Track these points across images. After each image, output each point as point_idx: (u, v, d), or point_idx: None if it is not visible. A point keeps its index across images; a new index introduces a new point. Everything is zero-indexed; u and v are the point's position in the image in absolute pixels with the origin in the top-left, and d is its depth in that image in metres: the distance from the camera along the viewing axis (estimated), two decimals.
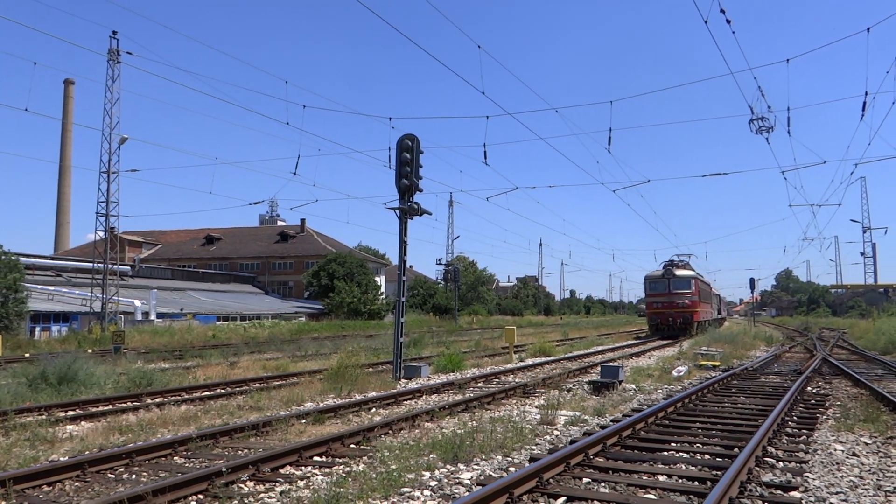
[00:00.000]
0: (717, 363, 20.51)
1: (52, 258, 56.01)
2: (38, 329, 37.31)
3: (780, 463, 7.75)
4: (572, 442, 8.58)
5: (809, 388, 14.88)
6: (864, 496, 6.45)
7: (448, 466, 7.49)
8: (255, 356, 23.52)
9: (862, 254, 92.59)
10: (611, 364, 15.90)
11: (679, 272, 38.86)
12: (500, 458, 8.03)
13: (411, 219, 17.14)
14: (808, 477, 7.11)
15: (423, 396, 13.64)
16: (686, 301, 37.70)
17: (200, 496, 6.42)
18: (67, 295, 43.72)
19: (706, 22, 14.99)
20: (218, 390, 14.43)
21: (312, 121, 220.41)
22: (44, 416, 10.73)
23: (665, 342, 32.84)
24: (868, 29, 17.75)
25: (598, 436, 8.36)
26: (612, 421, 10.46)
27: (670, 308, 38.00)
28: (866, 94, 19.18)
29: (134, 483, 6.95)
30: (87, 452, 8.23)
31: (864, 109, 19.43)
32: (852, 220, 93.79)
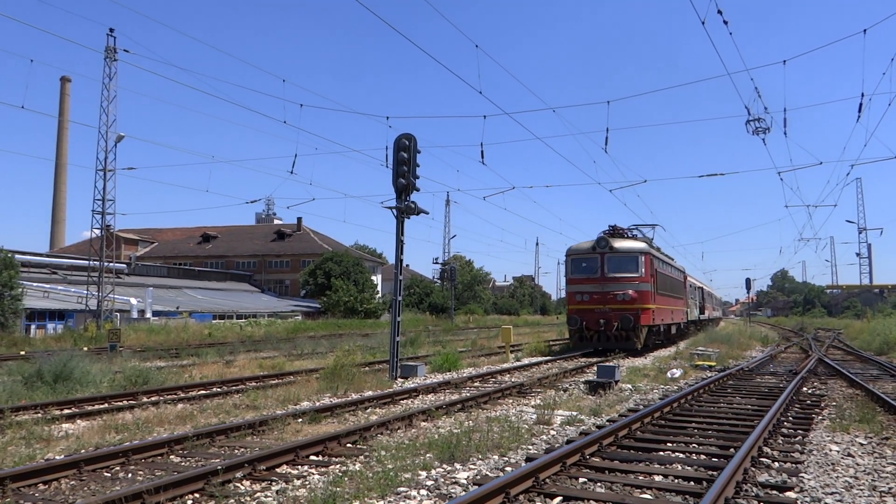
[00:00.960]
0: (712, 363, 20.55)
1: (47, 256, 55.87)
2: (33, 327, 37.23)
3: (776, 463, 7.78)
4: (569, 442, 8.59)
5: (805, 389, 14.93)
6: (860, 496, 6.48)
7: (444, 466, 7.50)
8: (252, 355, 23.49)
9: (857, 254, 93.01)
10: (607, 364, 15.92)
11: (620, 244, 24.69)
12: (496, 457, 8.03)
13: (408, 218, 17.15)
14: (803, 477, 7.13)
15: (420, 396, 13.64)
16: (629, 292, 23.71)
17: (197, 495, 6.41)
18: (63, 293, 43.62)
19: (703, 23, 15.02)
20: (214, 389, 14.41)
21: (309, 119, 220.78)
22: (39, 415, 10.69)
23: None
24: (865, 30, 17.81)
25: (594, 436, 8.37)
26: (608, 421, 10.47)
27: (602, 303, 24.05)
28: (862, 95, 19.24)
29: (130, 482, 6.94)
30: (83, 451, 8.20)
31: (860, 111, 19.49)
32: (848, 221, 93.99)
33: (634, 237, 27.38)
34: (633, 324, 23.46)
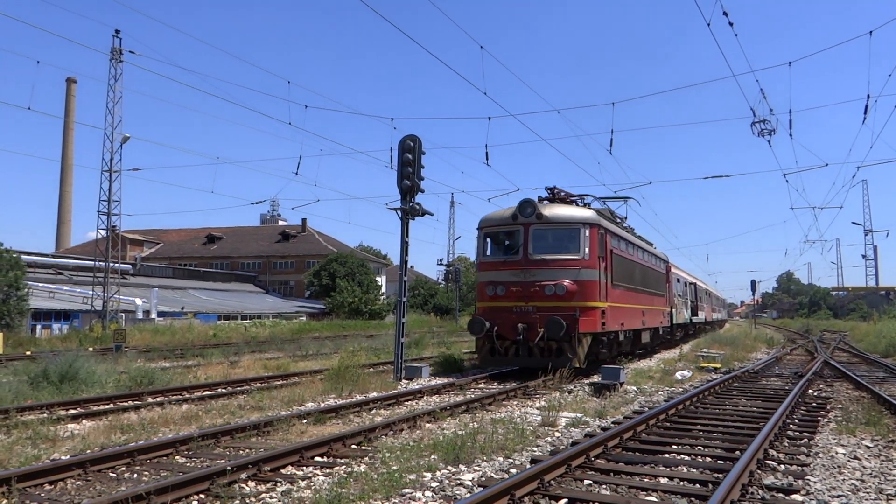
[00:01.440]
0: (718, 365, 20.50)
1: (53, 256, 56.10)
2: (39, 327, 37.37)
3: (782, 466, 7.75)
4: (573, 444, 8.57)
5: (811, 391, 14.88)
6: (866, 499, 6.45)
7: (449, 467, 7.50)
8: (256, 355, 23.52)
9: (863, 256, 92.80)
10: (612, 366, 15.88)
11: (553, 211, 17.23)
12: (501, 459, 8.03)
13: (413, 219, 17.14)
14: (809, 480, 7.11)
15: (424, 397, 13.63)
16: (564, 282, 16.33)
17: (202, 496, 6.42)
18: (69, 293, 43.76)
19: (709, 24, 15.01)
20: (219, 390, 14.43)
21: (314, 121, 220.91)
22: (45, 415, 10.72)
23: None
24: (870, 32, 17.77)
25: (599, 438, 8.36)
26: (613, 423, 10.46)
27: (523, 298, 16.67)
28: (868, 97, 19.22)
29: (136, 482, 6.96)
30: (88, 451, 8.23)
31: (866, 112, 19.46)
32: (854, 223, 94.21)
33: (587, 205, 19.44)
34: (565, 331, 15.70)
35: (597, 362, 17.51)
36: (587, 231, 16.85)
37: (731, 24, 15.20)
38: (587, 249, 16.71)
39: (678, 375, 17.55)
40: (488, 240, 18.02)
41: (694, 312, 36.47)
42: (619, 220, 21.68)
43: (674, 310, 28.89)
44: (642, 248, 23.05)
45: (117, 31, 36.64)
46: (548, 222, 16.94)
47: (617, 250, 18.78)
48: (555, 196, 18.87)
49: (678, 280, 31.44)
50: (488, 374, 16.72)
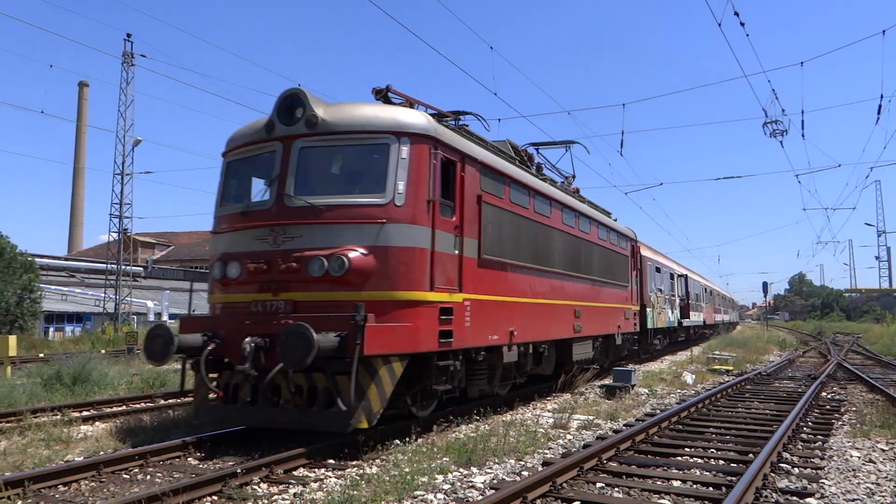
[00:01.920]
0: (730, 368, 20.40)
1: (65, 259, 56.48)
2: (51, 329, 37.68)
3: (796, 469, 7.69)
4: (586, 446, 8.54)
5: (824, 394, 14.77)
6: (882, 503, 6.39)
7: (461, 470, 7.49)
8: None
9: (877, 258, 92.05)
10: (623, 368, 15.82)
11: (338, 113, 8.45)
12: (513, 462, 8.01)
13: None
14: (824, 483, 7.05)
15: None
16: (346, 253, 7.84)
17: (215, 497, 6.44)
18: (81, 295, 44.09)
19: (720, 25, 14.95)
20: None
21: None
22: (58, 417, 10.80)
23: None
24: (883, 31, 17.64)
25: (611, 440, 8.33)
26: (625, 425, 10.42)
27: (268, 287, 8.27)
28: (882, 96, 19.15)
29: (149, 484, 6.99)
30: (101, 453, 8.27)
31: (879, 112, 19.35)
32: (867, 224, 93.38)
33: (419, 106, 10.13)
34: (336, 349, 7.43)
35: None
36: (405, 150, 8.50)
37: (742, 24, 15.14)
38: (402, 185, 8.40)
39: (688, 379, 17.46)
40: (230, 174, 9.72)
41: (684, 313, 28.66)
42: (524, 160, 13.45)
43: (649, 309, 21.83)
44: (575, 209, 14.60)
45: (129, 35, 37.04)
46: (327, 133, 8.58)
47: (501, 200, 10.71)
48: (388, 100, 9.82)
49: (657, 269, 23.81)
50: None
